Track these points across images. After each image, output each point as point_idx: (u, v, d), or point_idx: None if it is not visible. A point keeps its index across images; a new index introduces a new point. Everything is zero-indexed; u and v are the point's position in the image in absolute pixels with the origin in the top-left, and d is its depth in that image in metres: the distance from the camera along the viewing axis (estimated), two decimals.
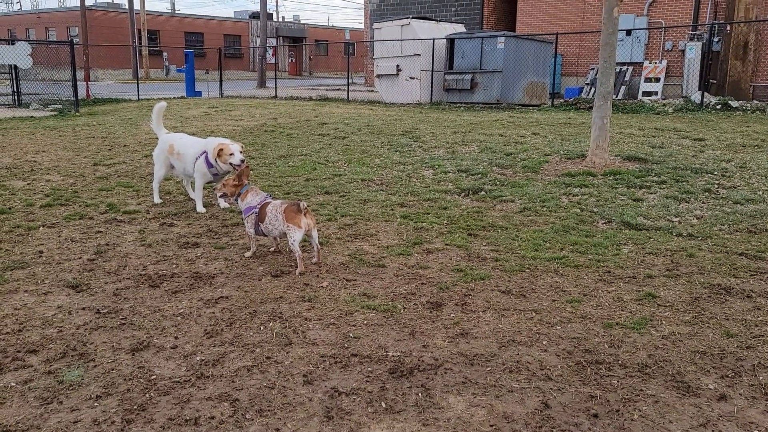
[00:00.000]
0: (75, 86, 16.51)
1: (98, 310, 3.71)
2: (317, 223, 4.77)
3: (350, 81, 22.87)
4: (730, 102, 14.66)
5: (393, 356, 3.13)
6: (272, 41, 46.05)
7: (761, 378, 2.92)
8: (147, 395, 2.77)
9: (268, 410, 2.66)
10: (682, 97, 17.01)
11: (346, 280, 4.20)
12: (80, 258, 4.68)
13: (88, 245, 4.99)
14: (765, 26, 17.20)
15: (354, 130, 11.33)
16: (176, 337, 3.35)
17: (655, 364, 3.05)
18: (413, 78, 18.30)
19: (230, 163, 5.60)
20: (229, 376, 2.94)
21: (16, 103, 17.32)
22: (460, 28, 20.44)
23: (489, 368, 3.01)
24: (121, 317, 3.61)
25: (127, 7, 41.20)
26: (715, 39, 17.18)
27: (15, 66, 16.79)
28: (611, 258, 4.60)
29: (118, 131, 12.00)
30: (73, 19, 42.33)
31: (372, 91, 23.96)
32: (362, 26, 38.36)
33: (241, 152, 5.63)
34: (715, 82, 17.47)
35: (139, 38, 40.48)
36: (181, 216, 5.93)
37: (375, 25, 20.15)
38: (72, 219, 5.76)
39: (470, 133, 10.87)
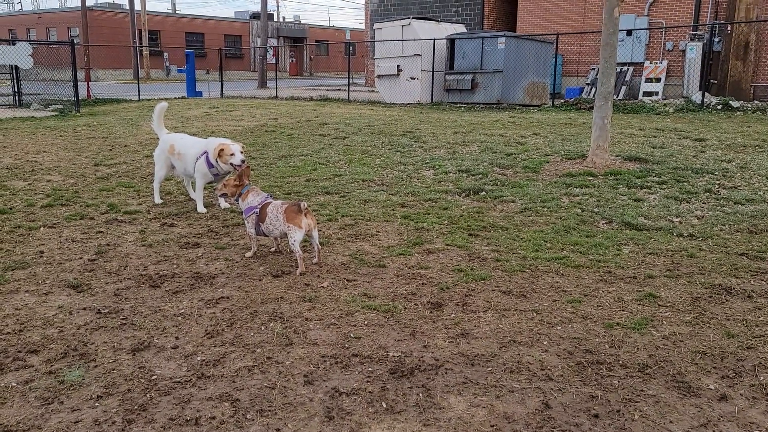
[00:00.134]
0: (76, 86, 16.51)
1: (99, 310, 3.72)
2: (318, 224, 4.77)
3: (351, 81, 22.88)
4: (730, 102, 14.65)
5: (394, 356, 3.13)
6: (273, 41, 46.07)
7: (762, 378, 2.92)
8: (148, 395, 2.78)
9: (269, 410, 2.66)
10: (683, 98, 17.00)
11: (347, 280, 4.21)
12: (81, 258, 4.68)
13: (89, 245, 5.00)
14: (766, 26, 17.19)
15: (354, 131, 11.34)
16: (177, 338, 3.35)
17: (656, 364, 3.05)
18: (414, 78, 18.30)
19: (231, 164, 5.61)
20: (230, 376, 2.94)
21: (16, 104, 17.33)
22: (461, 28, 20.44)
23: (490, 368, 3.02)
24: (121, 317, 3.61)
25: (127, 7, 41.22)
26: (716, 39, 17.17)
27: (16, 66, 16.80)
28: (612, 258, 4.60)
29: (118, 131, 12.01)
30: (74, 19, 42.36)
31: (373, 91, 23.96)
32: (363, 26, 38.38)
33: (241, 152, 5.63)
34: (715, 82, 17.46)
35: (140, 38, 40.51)
36: (181, 216, 5.93)
37: (375, 26, 20.15)
38: (73, 219, 5.76)
39: (471, 133, 10.87)
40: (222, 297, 3.91)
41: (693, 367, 3.03)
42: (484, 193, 6.71)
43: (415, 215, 5.84)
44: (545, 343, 3.28)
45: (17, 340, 3.32)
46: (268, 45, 31.93)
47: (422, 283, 4.13)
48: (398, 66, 18.62)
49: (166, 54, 44.34)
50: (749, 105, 14.52)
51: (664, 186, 6.73)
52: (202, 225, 5.62)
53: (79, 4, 37.38)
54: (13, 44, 17.14)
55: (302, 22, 59.16)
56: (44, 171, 8.05)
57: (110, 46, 39.39)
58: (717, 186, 6.67)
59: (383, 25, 19.43)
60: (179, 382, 2.89)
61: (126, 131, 12.03)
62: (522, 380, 2.91)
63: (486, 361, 3.08)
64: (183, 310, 3.71)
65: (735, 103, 14.56)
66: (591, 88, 19.15)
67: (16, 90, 17.44)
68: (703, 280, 4.15)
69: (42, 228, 5.47)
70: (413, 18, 18.86)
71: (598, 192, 6.57)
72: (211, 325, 3.50)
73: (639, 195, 6.42)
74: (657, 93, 18.31)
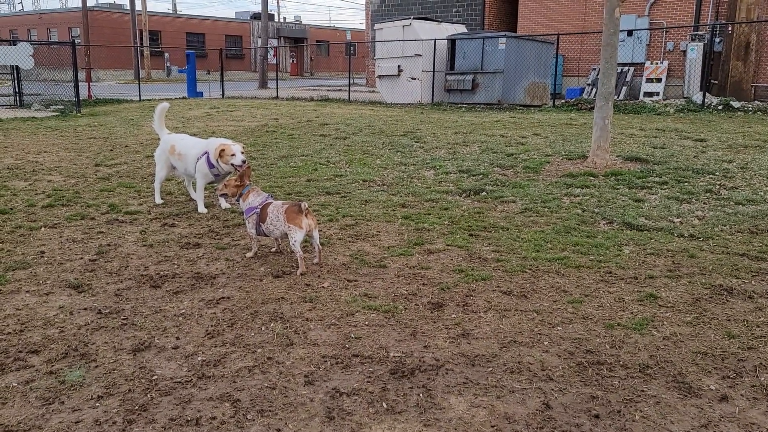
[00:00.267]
0: (76, 87, 16.52)
1: (100, 310, 3.72)
2: (318, 224, 4.77)
3: (351, 81, 22.87)
4: (731, 102, 14.64)
5: (394, 357, 3.13)
6: (273, 42, 46.08)
7: (763, 379, 2.91)
8: (148, 395, 2.78)
9: (270, 411, 2.66)
10: (684, 98, 16.99)
11: (348, 280, 4.21)
12: (82, 258, 4.68)
13: (90, 246, 5.00)
14: (766, 26, 17.18)
15: (355, 131, 11.34)
16: (177, 338, 3.35)
17: (657, 364, 3.05)
18: (414, 78, 18.30)
19: (232, 164, 5.61)
20: (231, 376, 2.94)
21: (17, 104, 17.34)
22: (462, 28, 20.44)
23: (490, 369, 3.02)
24: (122, 318, 3.61)
25: (128, 7, 41.24)
26: (717, 39, 17.17)
27: (17, 66, 16.81)
28: (612, 258, 4.60)
29: (119, 132, 12.01)
30: (75, 19, 42.38)
31: (373, 91, 23.96)
32: (363, 27, 38.38)
33: (242, 153, 5.64)
34: (716, 82, 17.45)
35: (141, 39, 40.52)
36: (182, 216, 5.93)
37: (376, 26, 20.16)
38: (73, 219, 5.77)
39: (471, 133, 10.87)
40: (223, 297, 3.92)
41: (694, 367, 3.02)
42: (484, 193, 6.71)
43: (415, 215, 5.84)
44: (546, 343, 3.28)
45: (18, 340, 3.32)
46: (268, 45, 31.94)
47: (423, 284, 4.13)
48: (399, 66, 18.62)
49: (166, 54, 44.36)
50: (750, 105, 14.51)
51: (665, 186, 6.73)
52: (202, 225, 5.63)
53: (80, 5, 37.41)
54: (14, 44, 17.16)
55: (303, 22, 59.18)
56: (45, 171, 8.06)
57: (111, 46, 39.41)
58: (718, 186, 6.67)
59: (384, 26, 19.43)
60: (180, 382, 2.89)
61: (127, 131, 12.04)
62: (522, 381, 2.91)
63: (486, 362, 3.08)
64: (184, 311, 3.71)
65: (736, 104, 14.56)
66: (592, 89, 19.15)
67: (17, 90, 17.44)
68: (703, 281, 4.15)
69: (43, 228, 5.48)
70: (414, 18, 18.86)
71: (598, 192, 6.57)
72: (212, 326, 3.50)
73: (640, 195, 6.42)
74: (658, 93, 18.30)
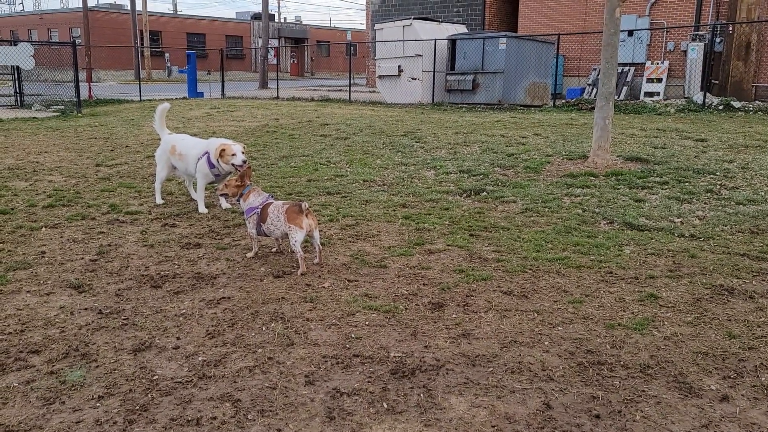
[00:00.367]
0: (77, 87, 16.53)
1: (100, 310, 3.72)
2: (319, 224, 4.77)
3: (352, 82, 22.87)
4: (732, 102, 14.64)
5: (395, 357, 3.13)
6: (274, 42, 46.09)
7: (763, 379, 2.91)
8: (149, 395, 2.78)
9: (270, 411, 2.66)
10: (684, 98, 16.99)
11: (348, 280, 4.21)
12: (82, 258, 4.69)
13: (91, 246, 5.00)
14: (767, 26, 17.17)
15: (356, 131, 11.34)
16: (178, 338, 3.35)
17: (657, 364, 3.05)
18: (415, 79, 18.30)
19: (232, 164, 5.61)
20: (231, 376, 2.95)
21: (18, 104, 17.35)
22: (462, 28, 20.43)
23: (491, 369, 3.01)
24: (123, 318, 3.62)
25: (129, 8, 41.26)
26: (717, 39, 17.16)
27: (17, 67, 16.82)
28: (613, 259, 4.60)
29: (120, 132, 12.02)
30: (76, 20, 42.40)
31: (374, 91, 23.96)
32: (364, 27, 38.39)
33: (243, 153, 5.64)
34: (717, 82, 17.45)
35: (141, 39, 40.54)
36: (183, 217, 5.93)
37: (377, 26, 20.16)
38: (74, 219, 5.77)
39: (472, 133, 10.87)
40: (223, 297, 3.92)
41: (694, 367, 3.02)
42: (485, 193, 6.71)
43: (416, 216, 5.84)
44: (546, 343, 3.28)
45: (19, 340, 3.32)
46: (269, 45, 31.95)
47: (423, 284, 4.13)
48: (399, 66, 18.62)
49: (167, 54, 44.38)
50: (751, 105, 14.50)
51: (666, 186, 6.72)
52: (203, 225, 5.63)
53: (81, 5, 37.42)
54: (15, 45, 17.18)
55: (303, 22, 59.19)
56: (46, 171, 8.06)
57: (112, 46, 39.42)
58: (718, 186, 6.66)
59: (384, 26, 19.43)
60: (180, 382, 2.89)
61: (127, 132, 12.05)
62: (523, 381, 2.90)
63: (487, 362, 3.08)
64: (184, 311, 3.72)
65: (736, 104, 14.55)
66: (592, 89, 19.15)
67: (17, 90, 17.45)
68: (704, 281, 4.15)
69: (43, 228, 5.48)
70: (414, 18, 18.85)
71: (599, 192, 6.56)
72: (213, 326, 3.50)
73: (640, 195, 6.42)
74: (658, 93, 18.30)
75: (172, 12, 55.49)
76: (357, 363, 3.07)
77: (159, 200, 6.45)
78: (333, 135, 11.00)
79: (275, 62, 32.17)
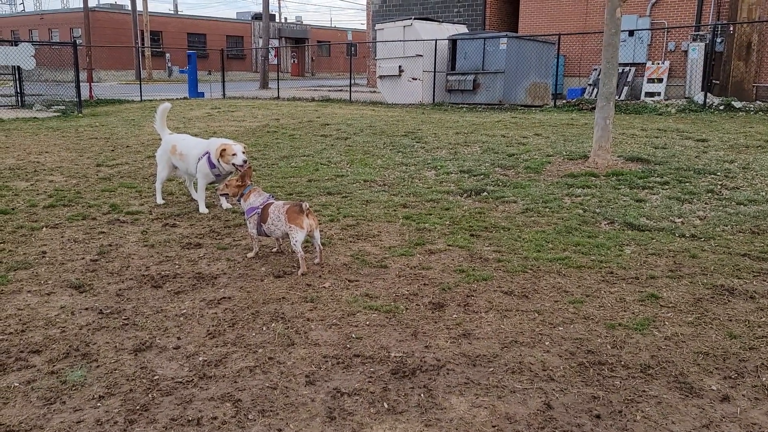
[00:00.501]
0: (78, 87, 16.54)
1: (101, 310, 3.72)
2: (319, 224, 4.77)
3: (352, 82, 22.88)
4: (733, 102, 14.63)
5: (395, 357, 3.13)
6: (275, 42, 46.10)
7: (764, 379, 2.91)
8: (149, 395, 2.78)
9: (271, 411, 2.66)
10: (685, 98, 16.98)
11: (349, 280, 4.21)
12: (83, 258, 4.69)
13: (91, 246, 5.00)
14: None
15: (356, 131, 11.34)
16: (179, 338, 3.35)
17: (658, 365, 3.05)
18: (415, 79, 18.30)
19: (233, 164, 5.61)
20: (232, 376, 2.95)
21: (19, 104, 17.36)
22: (463, 28, 20.43)
23: (491, 369, 3.01)
24: (123, 318, 3.62)
25: (129, 8, 41.28)
26: (718, 39, 17.15)
27: (18, 67, 16.83)
28: (614, 259, 4.60)
29: (120, 132, 12.02)
30: (76, 20, 42.42)
31: (374, 91, 23.96)
32: (364, 27, 38.40)
33: (243, 153, 5.64)
34: (717, 82, 17.44)
35: (142, 39, 40.56)
36: (183, 217, 5.94)
37: (377, 26, 20.16)
38: (75, 219, 5.77)
39: (472, 133, 10.87)
40: (224, 297, 3.92)
41: (695, 367, 3.02)
42: (485, 193, 6.71)
43: (416, 216, 5.84)
44: (547, 343, 3.28)
45: (19, 340, 3.33)
46: (269, 46, 31.95)
47: (424, 284, 4.13)
48: (400, 66, 18.62)
49: (168, 55, 44.40)
50: (752, 105, 14.49)
51: (666, 186, 6.72)
52: (204, 225, 5.63)
53: (82, 5, 37.43)
54: (16, 45, 17.18)
55: (304, 22, 59.22)
56: (46, 171, 8.07)
57: (112, 46, 39.44)
58: (719, 186, 6.66)
59: (385, 26, 19.43)
60: (181, 382, 2.89)
61: (128, 132, 12.05)
62: (524, 381, 2.90)
63: (488, 362, 3.08)
64: (185, 311, 3.72)
65: (737, 104, 14.54)
66: (593, 89, 19.14)
67: (18, 91, 17.46)
68: (705, 281, 4.15)
69: (44, 228, 5.48)
70: (415, 18, 18.85)
71: (600, 192, 6.56)
72: (213, 326, 3.50)
73: (641, 195, 6.42)
74: (659, 93, 18.29)
75: (172, 12, 55.51)
76: (358, 363, 3.07)
77: (160, 200, 6.45)
78: (334, 135, 11.00)
79: (276, 62, 32.19)
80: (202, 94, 22.81)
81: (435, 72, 18.08)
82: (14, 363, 3.07)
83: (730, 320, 3.55)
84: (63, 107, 16.84)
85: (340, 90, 27.07)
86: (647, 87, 18.65)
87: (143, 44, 40.34)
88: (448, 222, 5.65)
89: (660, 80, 18.55)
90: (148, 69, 40.28)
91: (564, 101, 17.66)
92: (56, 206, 6.26)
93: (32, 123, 13.63)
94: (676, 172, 7.28)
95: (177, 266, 4.52)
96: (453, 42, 17.83)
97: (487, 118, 13.74)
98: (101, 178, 7.69)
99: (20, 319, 3.59)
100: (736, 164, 7.65)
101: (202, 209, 6.06)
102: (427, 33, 18.22)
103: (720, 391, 2.81)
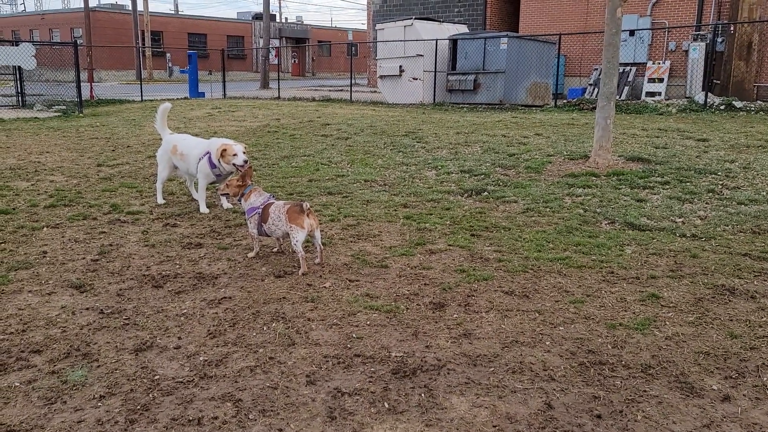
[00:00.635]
0: (79, 87, 16.55)
1: (102, 310, 3.72)
2: (320, 224, 4.77)
3: (353, 82, 22.89)
4: (733, 102, 14.62)
5: (396, 357, 3.13)
6: (275, 42, 46.11)
7: (765, 379, 2.91)
8: (150, 395, 2.78)
9: (271, 410, 2.66)
10: (686, 98, 16.97)
11: (349, 280, 4.21)
12: (84, 258, 4.69)
13: (92, 246, 5.01)
14: None
15: (357, 131, 11.34)
16: (179, 338, 3.35)
17: (659, 364, 3.04)
18: (416, 79, 18.30)
19: (233, 164, 5.61)
20: (232, 376, 2.95)
21: (20, 104, 17.37)
22: (463, 28, 20.43)
23: (492, 369, 3.01)
24: (124, 317, 3.62)
25: (130, 8, 41.29)
26: (719, 39, 17.14)
27: (19, 67, 16.84)
28: (614, 259, 4.59)
29: (121, 132, 12.03)
30: (77, 20, 42.44)
31: (375, 91, 23.96)
32: (365, 27, 38.40)
33: (244, 153, 5.64)
34: (718, 82, 17.43)
35: (143, 39, 40.57)
36: (184, 217, 5.94)
37: (378, 26, 20.16)
38: (76, 219, 5.77)
39: (473, 133, 10.86)
40: (224, 297, 3.92)
41: (696, 367, 3.02)
42: (486, 193, 6.71)
43: (417, 216, 5.84)
44: (548, 343, 3.28)
45: (20, 340, 3.33)
46: (270, 45, 31.96)
47: (424, 284, 4.13)
48: (400, 66, 18.62)
49: (168, 55, 44.41)
50: (752, 105, 14.48)
51: (667, 186, 6.72)
52: (204, 225, 5.63)
53: (82, 5, 37.45)
54: (17, 45, 17.19)
55: (304, 22, 59.23)
56: (47, 171, 8.07)
57: (113, 46, 39.46)
58: (720, 186, 6.66)
59: (385, 26, 19.43)
60: (182, 382, 2.89)
61: (129, 132, 12.06)
62: (524, 381, 2.90)
63: (488, 362, 3.08)
64: (185, 311, 3.72)
65: (738, 104, 14.53)
66: (594, 89, 19.13)
67: (19, 91, 17.47)
68: (706, 281, 4.15)
69: (45, 228, 5.49)
70: (415, 18, 18.85)
71: (600, 192, 6.56)
72: (214, 326, 3.50)
73: (642, 195, 6.41)
74: (660, 93, 18.28)
75: (173, 12, 55.54)
76: (358, 363, 3.07)
77: (160, 200, 6.46)
78: (334, 135, 11.00)
79: (276, 62, 32.18)
80: (202, 94, 22.81)
81: (435, 72, 18.08)
82: (15, 363, 3.07)
83: (731, 320, 3.55)
84: (64, 107, 16.84)
85: (341, 90, 27.08)
86: (648, 87, 18.64)
87: (144, 44, 40.36)
88: (448, 222, 5.65)
89: (661, 80, 18.54)
90: (148, 69, 40.29)
91: (565, 101, 17.66)
92: (57, 206, 6.27)
93: (33, 123, 13.64)
94: (676, 171, 7.27)
95: (178, 266, 4.52)
96: (453, 42, 17.83)
97: (488, 117, 13.74)
98: (102, 178, 7.69)
99: (21, 319, 3.59)
100: (736, 164, 7.65)
101: (203, 209, 6.07)
102: (427, 33, 18.22)
103: (721, 391, 2.81)
